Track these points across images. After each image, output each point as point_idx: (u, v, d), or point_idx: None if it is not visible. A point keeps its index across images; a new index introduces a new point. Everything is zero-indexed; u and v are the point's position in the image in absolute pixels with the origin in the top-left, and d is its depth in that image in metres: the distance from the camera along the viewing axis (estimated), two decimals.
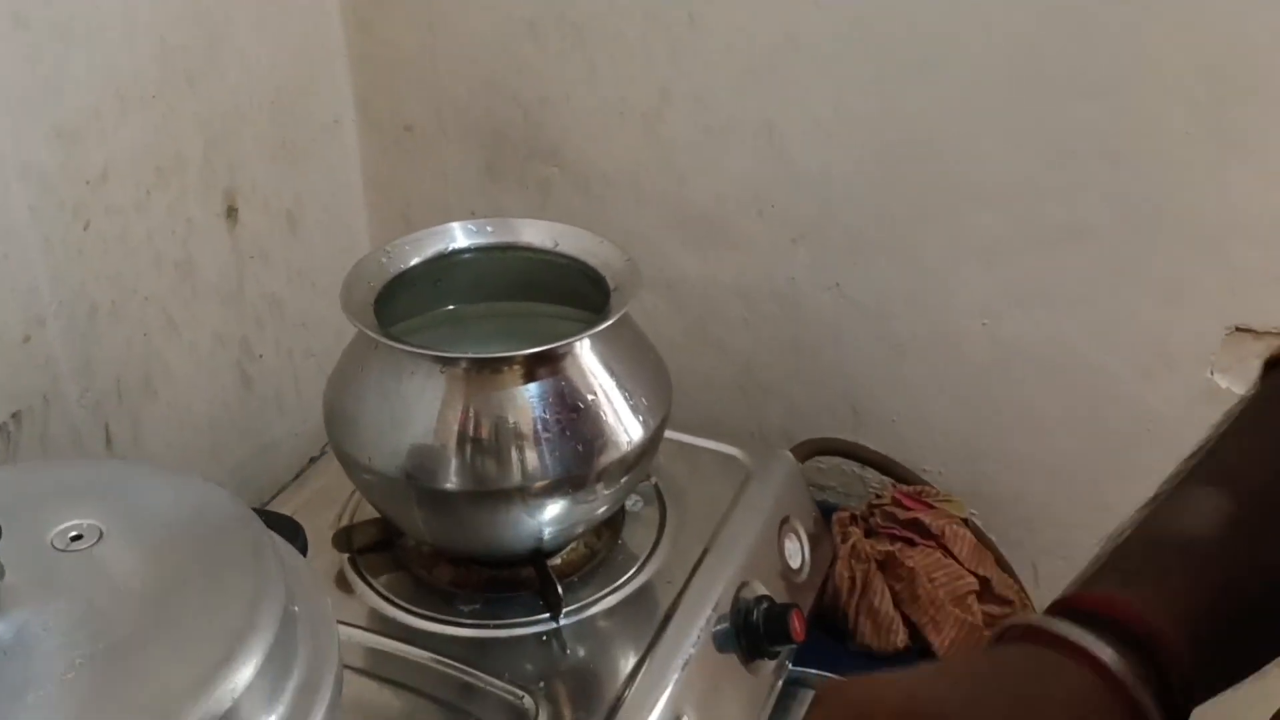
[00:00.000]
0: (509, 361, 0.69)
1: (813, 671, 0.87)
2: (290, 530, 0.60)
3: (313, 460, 0.97)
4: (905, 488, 1.00)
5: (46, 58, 0.74)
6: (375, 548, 0.81)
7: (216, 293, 0.92)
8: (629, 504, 0.86)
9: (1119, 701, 0.35)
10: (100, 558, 0.48)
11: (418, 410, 0.69)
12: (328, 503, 0.86)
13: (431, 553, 0.81)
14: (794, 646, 0.80)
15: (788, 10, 0.87)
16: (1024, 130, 0.85)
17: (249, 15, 0.90)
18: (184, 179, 0.87)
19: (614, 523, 0.84)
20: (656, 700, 0.70)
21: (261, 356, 0.99)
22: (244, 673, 0.44)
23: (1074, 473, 0.97)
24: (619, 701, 0.70)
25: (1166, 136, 0.82)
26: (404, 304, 0.78)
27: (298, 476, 0.94)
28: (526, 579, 0.78)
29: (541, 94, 0.98)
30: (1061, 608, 0.39)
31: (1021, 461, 0.99)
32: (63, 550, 0.48)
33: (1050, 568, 1.02)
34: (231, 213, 0.93)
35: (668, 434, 0.89)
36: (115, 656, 0.44)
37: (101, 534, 0.49)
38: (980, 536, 0.97)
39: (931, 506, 0.98)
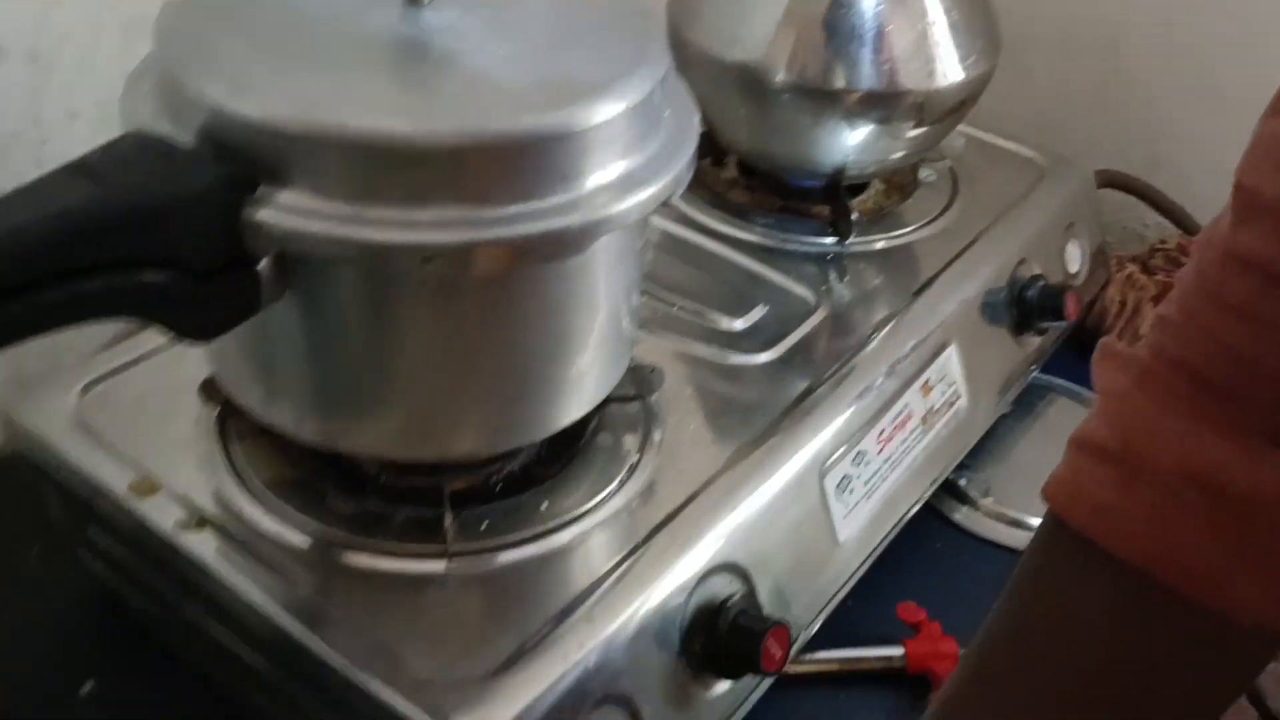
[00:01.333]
0: None
1: (1059, 381, 0.90)
2: None
3: None
4: (1194, 238, 0.98)
5: None
6: None
7: None
8: (923, 175, 0.89)
9: None
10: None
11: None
12: None
13: (733, 178, 0.86)
14: (1066, 324, 0.83)
15: None
16: None
17: None
18: None
19: (905, 188, 0.87)
20: (926, 331, 0.74)
21: None
22: (651, 78, 0.50)
23: None
24: (887, 324, 0.74)
25: None
26: None
27: None
28: (816, 213, 0.83)
29: None
30: None
31: None
32: None
33: None
34: None
35: (969, 129, 0.91)
36: (544, 50, 0.51)
37: None
38: None
39: None
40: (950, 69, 0.76)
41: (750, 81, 0.75)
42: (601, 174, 0.48)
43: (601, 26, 0.53)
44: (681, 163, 0.52)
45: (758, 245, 0.80)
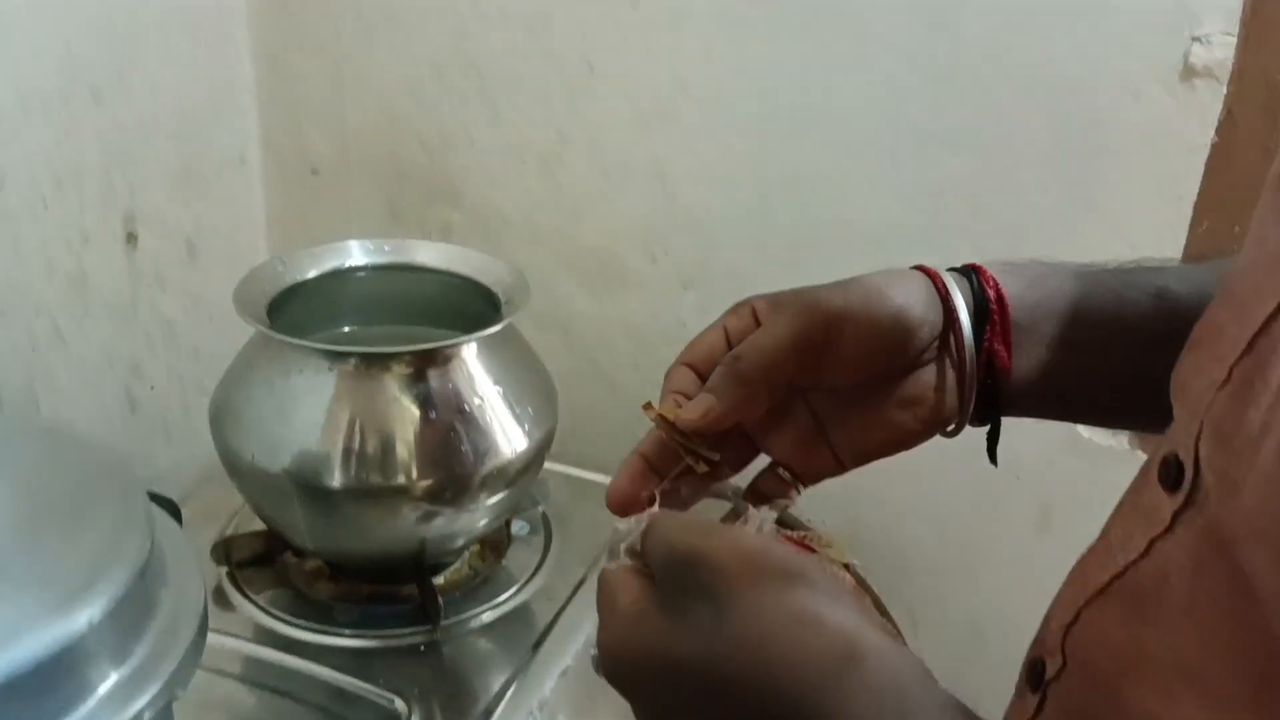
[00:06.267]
0: (397, 358, 0.70)
1: None
2: (167, 508, 0.60)
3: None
4: (788, 532, 1.02)
5: None
6: (255, 562, 0.80)
7: (109, 311, 0.92)
8: (515, 529, 0.87)
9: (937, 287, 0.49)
10: None
11: (304, 406, 0.70)
12: (209, 519, 0.85)
13: (314, 568, 0.81)
14: None
15: (679, 59, 0.92)
16: (894, 177, 0.90)
17: (158, 38, 0.92)
18: (82, 193, 0.87)
19: (499, 546, 0.85)
20: (530, 707, 0.71)
21: (153, 388, 0.99)
22: (99, 604, 0.44)
23: (945, 518, 1.01)
24: (493, 707, 0.70)
25: (1022, 188, 0.88)
26: (299, 318, 0.79)
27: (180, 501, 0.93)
28: (407, 595, 0.78)
29: (444, 135, 1.02)
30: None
31: (897, 504, 1.02)
32: None
33: (927, 614, 1.05)
34: (131, 237, 0.93)
35: (558, 466, 0.91)
36: None
37: None
38: (861, 582, 1.00)
39: (813, 550, 1.00)
40: (514, 438, 0.75)
41: (303, 487, 0.70)
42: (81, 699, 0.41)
43: (64, 527, 0.47)
44: (181, 652, 0.46)
45: (347, 650, 0.74)
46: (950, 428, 0.53)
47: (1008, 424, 0.96)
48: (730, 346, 0.49)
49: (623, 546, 0.44)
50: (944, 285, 0.50)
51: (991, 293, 0.50)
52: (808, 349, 0.48)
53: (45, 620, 0.41)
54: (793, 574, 0.38)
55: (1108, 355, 0.51)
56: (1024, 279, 0.51)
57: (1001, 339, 0.50)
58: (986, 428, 0.54)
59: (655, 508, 0.48)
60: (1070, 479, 0.96)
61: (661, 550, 0.41)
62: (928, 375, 0.51)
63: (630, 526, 0.45)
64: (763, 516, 0.51)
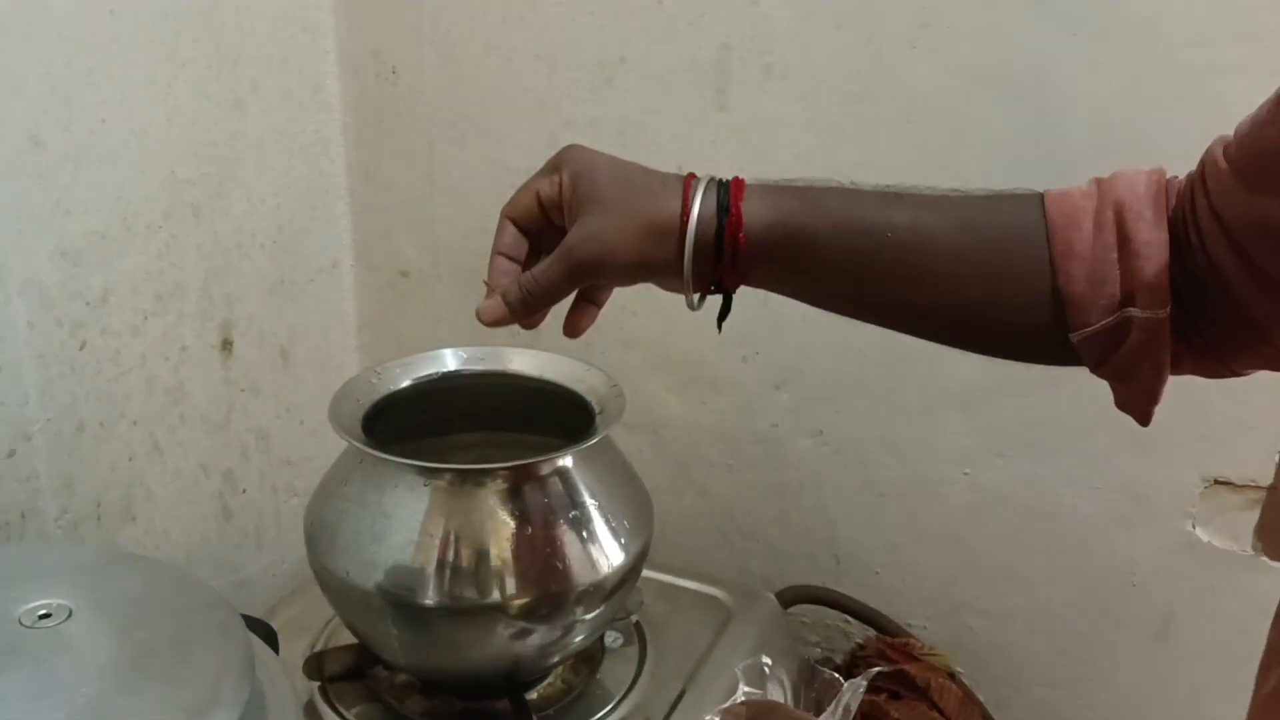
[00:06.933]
0: (492, 474, 0.69)
1: None
2: (263, 632, 0.59)
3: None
4: (890, 639, 0.98)
5: (58, 179, 0.77)
6: (347, 676, 0.79)
7: (205, 421, 0.93)
8: (608, 640, 0.85)
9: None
10: (67, 634, 0.47)
11: (398, 522, 0.69)
12: (301, 631, 0.84)
13: (405, 683, 0.79)
14: None
15: (770, 163, 0.91)
16: None
17: (258, 157, 0.94)
18: (182, 307, 0.89)
19: (592, 659, 0.83)
20: None
21: (245, 491, 0.99)
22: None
23: (1057, 625, 0.96)
24: None
25: None
26: (392, 428, 0.79)
27: (271, 610, 0.92)
28: (500, 711, 0.76)
29: None
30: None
31: (1005, 611, 0.98)
32: (29, 627, 0.47)
33: None
34: (226, 344, 0.94)
35: (649, 573, 0.89)
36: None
37: (71, 612, 0.48)
38: (967, 693, 0.95)
39: (916, 659, 0.96)
40: (610, 552, 0.73)
41: (396, 604, 0.69)
42: None
43: (167, 667, 0.46)
44: None
45: None
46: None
47: (1123, 520, 0.92)
48: (543, 208, 0.60)
49: None
50: (688, 211, 0.56)
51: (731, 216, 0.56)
52: (581, 281, 0.60)
53: None
54: None
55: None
56: (770, 200, 0.57)
57: (731, 263, 0.56)
58: None
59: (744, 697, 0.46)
60: (1190, 585, 0.91)
61: None
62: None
63: None
64: (853, 695, 0.50)
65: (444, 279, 1.07)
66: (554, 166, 0.61)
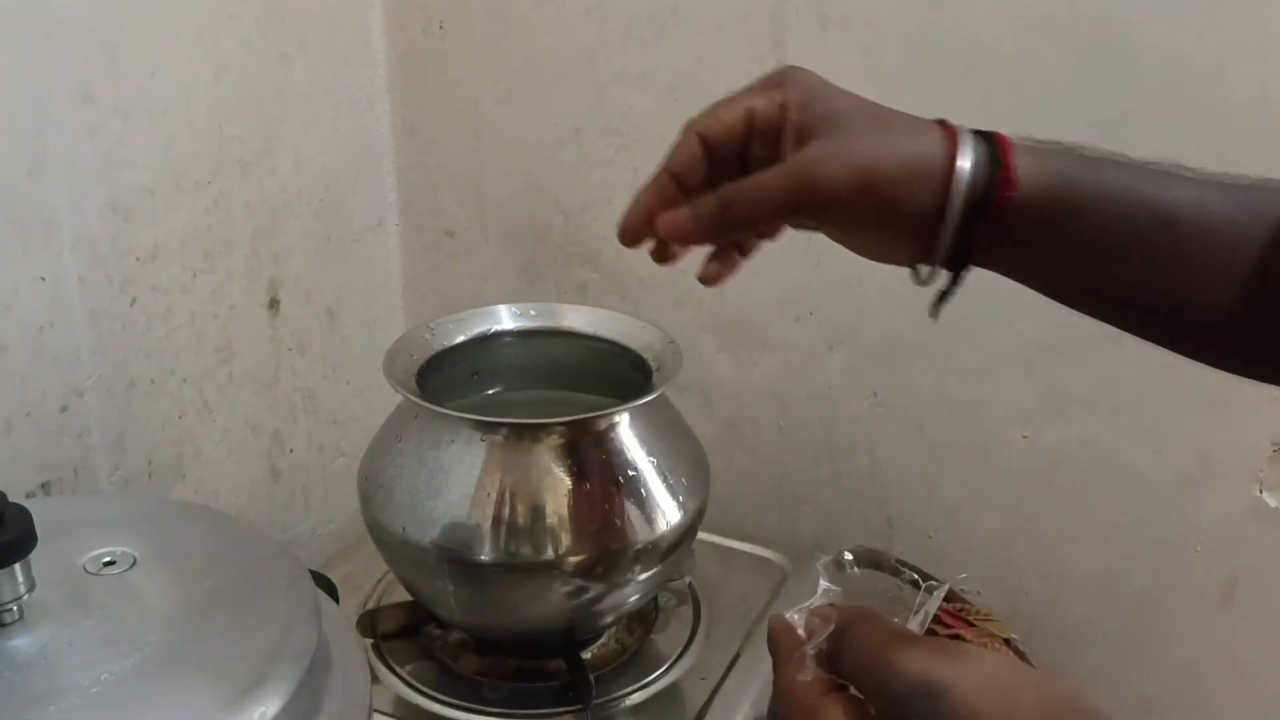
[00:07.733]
0: (548, 429, 0.68)
1: None
2: (325, 585, 0.58)
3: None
4: (946, 604, 0.97)
5: (107, 134, 0.76)
6: (400, 634, 0.78)
7: (253, 381, 0.93)
8: (662, 601, 0.84)
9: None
10: (132, 582, 0.46)
11: (454, 478, 0.68)
12: (353, 589, 0.84)
13: (458, 641, 0.78)
14: None
15: None
16: None
17: (304, 113, 0.93)
18: (230, 265, 0.88)
19: (646, 619, 0.82)
20: None
21: (292, 451, 0.99)
22: (273, 700, 0.42)
23: (1117, 590, 0.94)
24: None
25: None
26: (445, 384, 0.78)
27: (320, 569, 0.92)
28: (555, 670, 0.76)
29: (584, 199, 1.00)
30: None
31: (1063, 576, 0.96)
32: (95, 574, 0.47)
33: (1099, 694, 0.97)
34: (274, 303, 0.94)
35: (701, 534, 0.88)
36: (141, 674, 0.42)
37: (135, 560, 0.47)
38: (1023, 659, 0.94)
39: (972, 624, 0.94)
40: (668, 511, 0.72)
41: (452, 561, 0.68)
42: None
43: (234, 616, 0.45)
44: None
45: None
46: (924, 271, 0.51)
47: (1189, 483, 0.90)
48: (749, 129, 0.49)
49: (809, 653, 0.40)
50: (954, 156, 0.47)
51: (999, 170, 0.47)
52: (802, 208, 0.48)
53: (219, 718, 0.39)
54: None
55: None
56: (1038, 159, 0.48)
57: (995, 226, 0.47)
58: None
59: (825, 599, 0.44)
60: (1256, 550, 0.89)
61: (876, 668, 0.37)
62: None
63: (811, 625, 0.41)
64: (932, 601, 0.48)
65: (490, 238, 1.06)
66: (774, 83, 0.50)
